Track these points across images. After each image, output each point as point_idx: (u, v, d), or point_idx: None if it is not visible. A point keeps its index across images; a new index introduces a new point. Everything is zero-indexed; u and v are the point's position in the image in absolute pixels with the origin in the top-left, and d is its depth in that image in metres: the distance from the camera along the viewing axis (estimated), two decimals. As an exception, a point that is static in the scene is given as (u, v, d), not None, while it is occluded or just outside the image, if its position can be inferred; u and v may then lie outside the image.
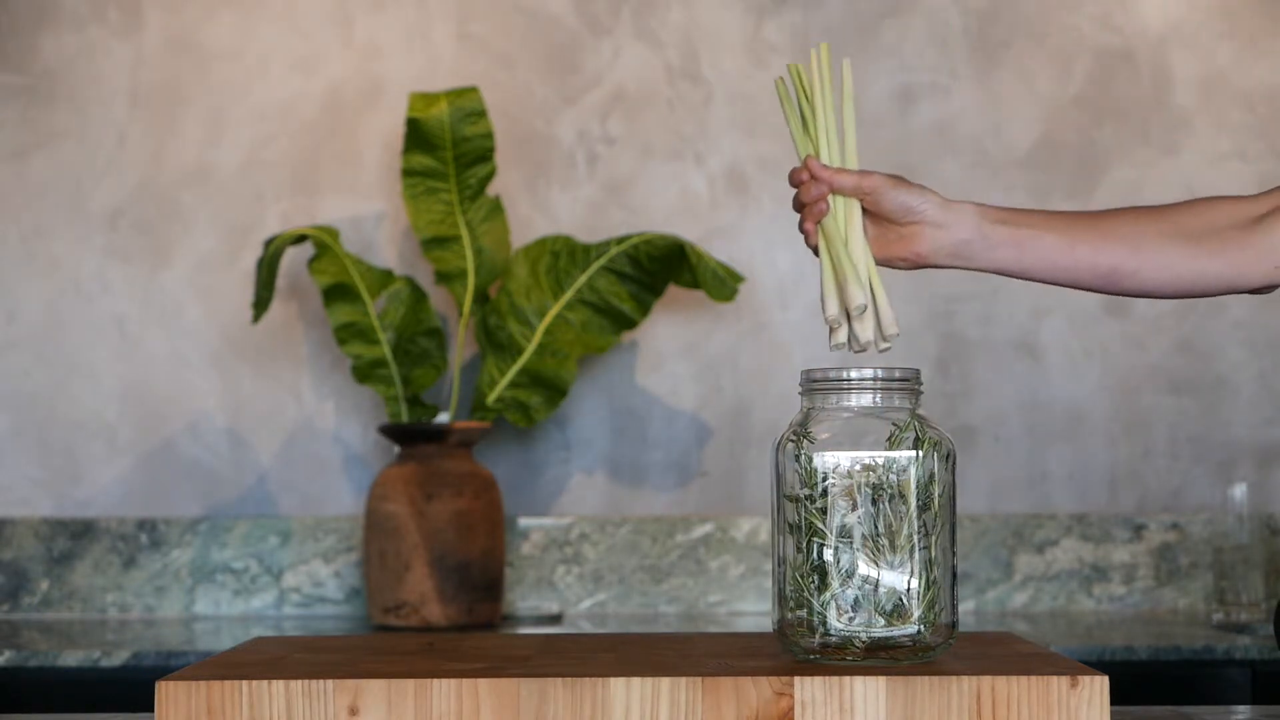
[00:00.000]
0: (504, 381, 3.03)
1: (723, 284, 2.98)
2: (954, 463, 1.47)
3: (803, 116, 1.61)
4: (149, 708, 1.54)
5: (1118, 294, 1.63)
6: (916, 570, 1.43)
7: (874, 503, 1.43)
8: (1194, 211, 1.63)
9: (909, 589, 1.42)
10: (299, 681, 1.35)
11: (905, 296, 3.20)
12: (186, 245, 3.20)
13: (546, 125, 3.24)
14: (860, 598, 1.42)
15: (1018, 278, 1.63)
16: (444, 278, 3.06)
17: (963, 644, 1.54)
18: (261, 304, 2.94)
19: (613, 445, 3.22)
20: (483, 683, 1.35)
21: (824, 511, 1.44)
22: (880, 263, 1.60)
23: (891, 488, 1.44)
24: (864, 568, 1.43)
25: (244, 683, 1.35)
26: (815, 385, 1.49)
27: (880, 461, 1.44)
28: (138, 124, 3.21)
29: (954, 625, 1.45)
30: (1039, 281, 1.63)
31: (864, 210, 1.61)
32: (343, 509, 3.19)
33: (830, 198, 1.57)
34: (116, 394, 3.18)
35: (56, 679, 2.64)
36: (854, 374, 1.48)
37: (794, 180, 1.60)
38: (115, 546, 3.14)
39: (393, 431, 2.97)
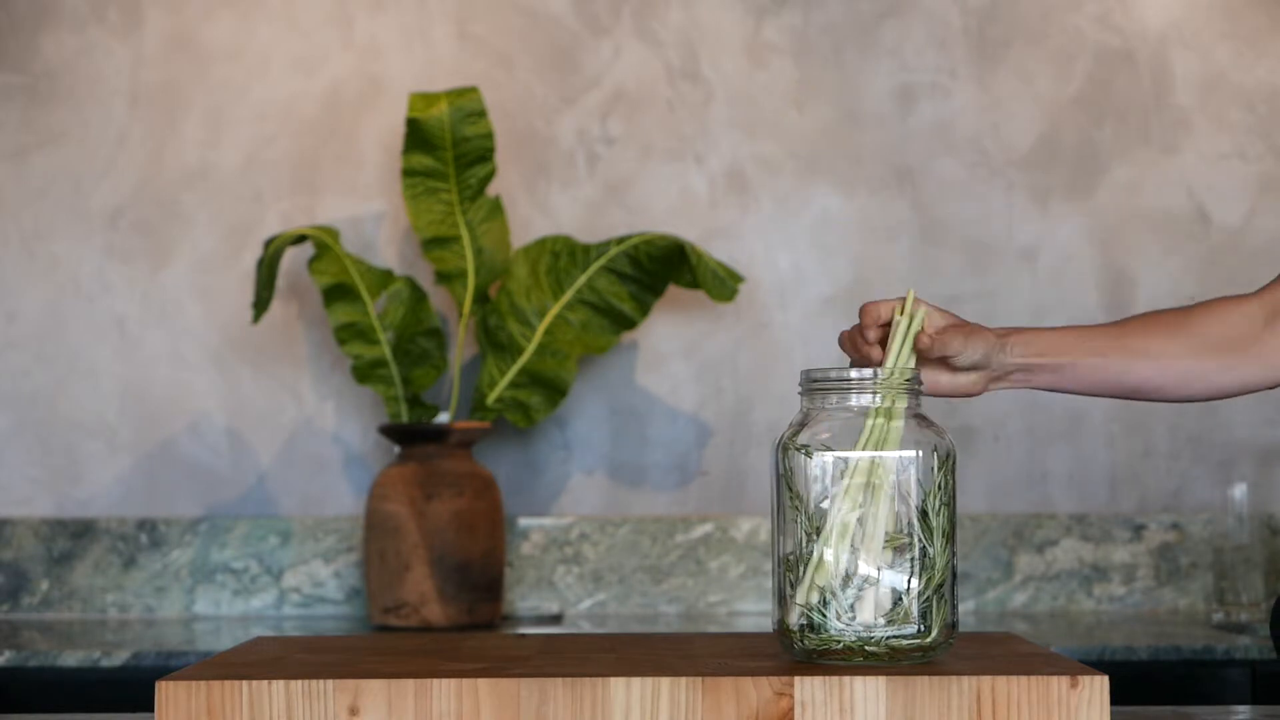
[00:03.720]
0: (504, 381, 3.03)
1: (723, 284, 2.98)
2: (954, 463, 1.47)
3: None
4: (149, 708, 1.54)
5: (1139, 400, 1.74)
6: (916, 570, 1.43)
7: (874, 503, 1.43)
8: (1211, 319, 1.71)
9: (909, 589, 1.42)
10: (299, 681, 1.36)
11: (905, 296, 3.20)
12: (186, 245, 3.21)
13: (546, 125, 3.24)
14: (860, 598, 1.42)
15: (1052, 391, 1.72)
16: (444, 278, 3.06)
17: (963, 644, 1.54)
18: (261, 304, 2.94)
19: (613, 445, 3.22)
20: (483, 683, 1.35)
21: (824, 511, 1.44)
22: (930, 393, 1.62)
23: (891, 488, 1.44)
24: (864, 568, 1.43)
25: (244, 683, 1.35)
26: (815, 385, 1.49)
27: (880, 461, 1.44)
28: (138, 124, 3.21)
29: (954, 625, 1.45)
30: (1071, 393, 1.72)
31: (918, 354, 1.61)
32: (343, 509, 3.19)
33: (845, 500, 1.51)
34: (116, 394, 3.18)
35: (56, 679, 2.64)
36: (854, 374, 1.48)
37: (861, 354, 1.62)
38: (115, 546, 3.14)
39: (393, 431, 2.97)
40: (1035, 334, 1.67)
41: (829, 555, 1.43)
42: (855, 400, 1.47)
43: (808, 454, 1.45)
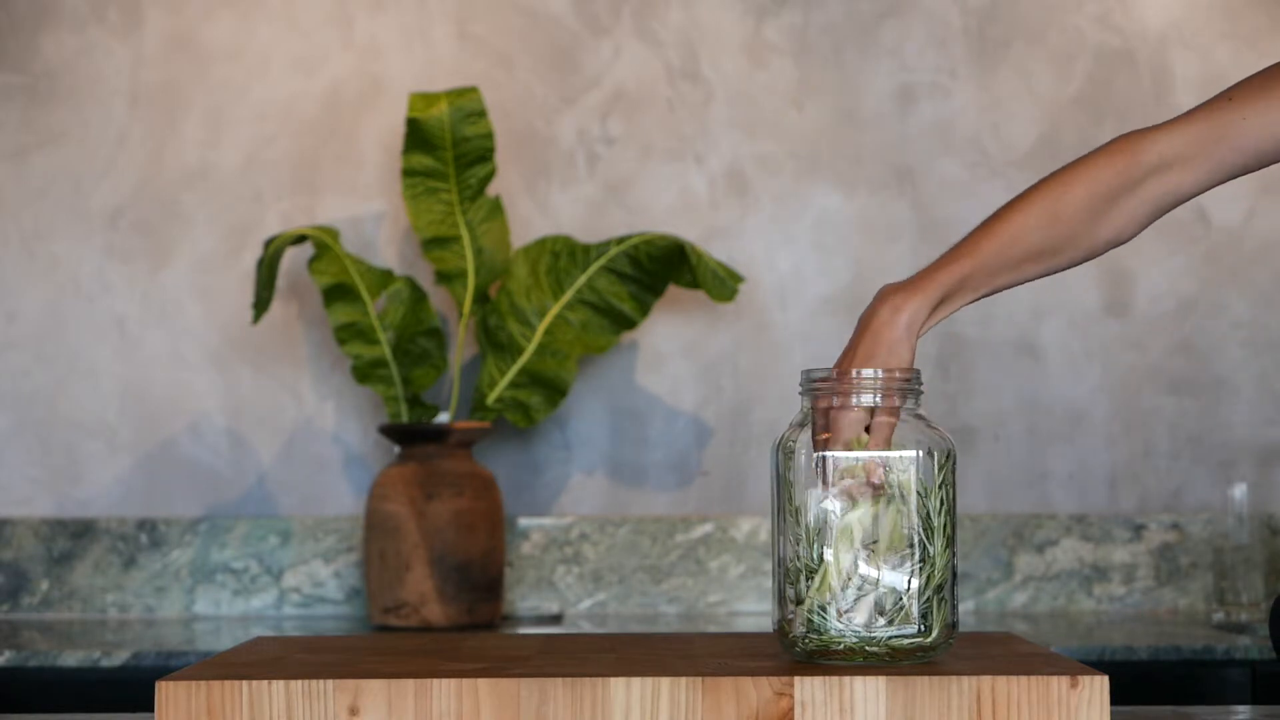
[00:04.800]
0: (504, 381, 3.03)
1: (723, 284, 2.98)
2: (954, 463, 1.47)
3: None
4: (149, 708, 1.54)
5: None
6: (916, 570, 1.43)
7: (874, 502, 1.43)
8: (1058, 197, 1.64)
9: (909, 589, 1.42)
10: (299, 681, 1.35)
11: (905, 296, 3.20)
12: (186, 245, 3.21)
13: (546, 125, 3.24)
14: (860, 598, 1.42)
15: None
16: (444, 278, 3.06)
17: (963, 644, 1.54)
18: (261, 304, 2.94)
19: (613, 445, 3.23)
20: (483, 683, 1.35)
21: (824, 512, 1.44)
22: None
23: (891, 487, 1.44)
24: (864, 568, 1.43)
25: (244, 683, 1.35)
26: (815, 385, 1.49)
27: (880, 461, 1.44)
28: (138, 124, 3.21)
29: (954, 625, 1.45)
30: None
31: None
32: (343, 509, 3.19)
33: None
34: (116, 394, 3.18)
35: (56, 679, 2.64)
36: (854, 374, 1.48)
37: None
38: (115, 546, 3.14)
39: (393, 431, 2.97)
40: (948, 303, 1.61)
41: (829, 556, 1.43)
42: (855, 400, 1.47)
43: (808, 454, 1.45)
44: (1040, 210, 1.63)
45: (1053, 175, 1.65)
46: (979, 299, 1.62)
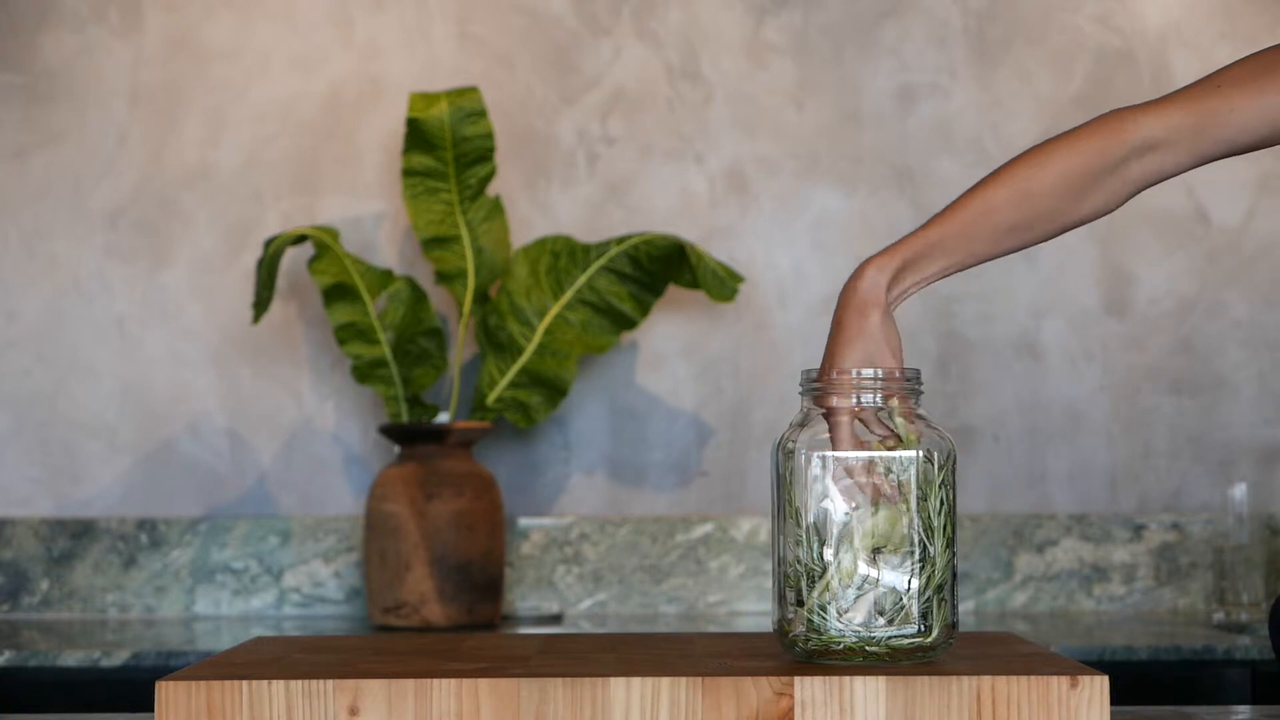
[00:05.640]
0: (504, 381, 3.03)
1: (723, 284, 2.98)
2: (954, 463, 1.47)
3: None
4: (149, 708, 1.54)
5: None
6: (917, 570, 1.43)
7: (874, 503, 1.43)
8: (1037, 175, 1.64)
9: (909, 589, 1.42)
10: (299, 681, 1.35)
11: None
12: (186, 245, 3.21)
13: (546, 125, 3.24)
14: (860, 598, 1.42)
15: None
16: (444, 278, 3.06)
17: (963, 644, 1.54)
18: (261, 304, 2.94)
19: (613, 445, 3.23)
20: (483, 683, 1.35)
21: (824, 512, 1.44)
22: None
23: (892, 488, 1.44)
24: (864, 568, 1.43)
25: (244, 683, 1.35)
26: (815, 385, 1.49)
27: (880, 461, 1.44)
28: (138, 124, 3.21)
29: (954, 625, 1.45)
30: None
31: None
32: (343, 509, 3.19)
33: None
34: (116, 394, 3.18)
35: (56, 679, 2.64)
36: (854, 373, 1.48)
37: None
38: (115, 546, 3.14)
39: (393, 431, 2.98)
40: (925, 267, 1.61)
41: (829, 556, 1.43)
42: (855, 400, 1.47)
43: (808, 454, 1.45)
44: (1013, 187, 1.63)
45: (1032, 150, 1.65)
46: (958, 270, 1.61)
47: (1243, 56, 1.67)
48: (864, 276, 1.55)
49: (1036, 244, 1.66)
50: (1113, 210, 1.67)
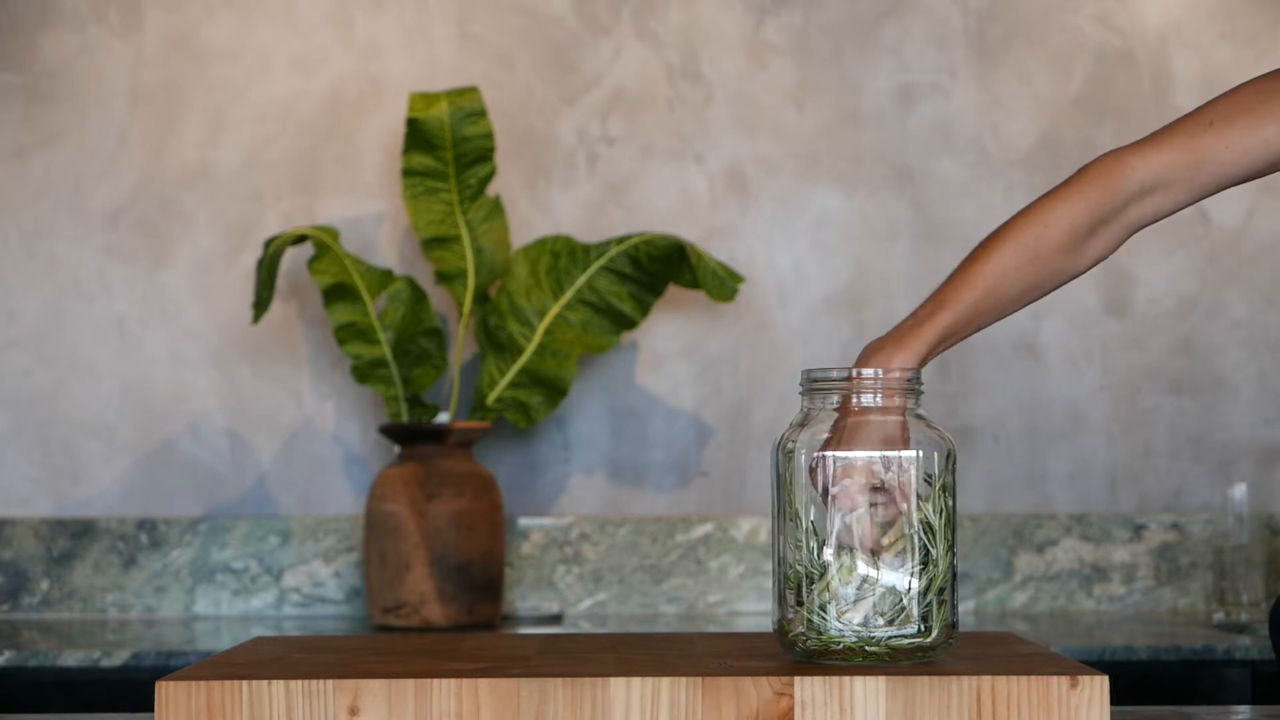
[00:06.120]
0: (504, 381, 3.03)
1: (723, 284, 2.98)
2: (954, 463, 1.47)
3: None
4: (149, 708, 1.54)
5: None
6: (917, 570, 1.43)
7: (874, 503, 1.43)
8: (1038, 234, 1.64)
9: (909, 589, 1.42)
10: (299, 681, 1.35)
11: (906, 296, 3.21)
12: (186, 245, 3.21)
13: (546, 125, 3.24)
14: (860, 598, 1.42)
15: None
16: (444, 278, 3.06)
17: (963, 644, 1.54)
18: (261, 304, 2.94)
19: (613, 445, 3.22)
20: (483, 683, 1.35)
21: (824, 511, 1.44)
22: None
23: (892, 487, 1.44)
24: (864, 568, 1.43)
25: (244, 683, 1.35)
26: (815, 385, 1.49)
27: (880, 461, 1.44)
28: (138, 124, 3.21)
29: (954, 625, 1.45)
30: None
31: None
32: (343, 509, 3.19)
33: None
34: (116, 394, 3.18)
35: (56, 679, 2.64)
36: (854, 374, 1.48)
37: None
38: (115, 546, 3.14)
39: (393, 431, 2.98)
40: (939, 339, 1.60)
41: (829, 556, 1.43)
42: (855, 400, 1.47)
43: (808, 454, 1.45)
44: (1020, 253, 1.63)
45: (1029, 211, 1.64)
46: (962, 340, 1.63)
47: (1230, 89, 1.66)
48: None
49: (1037, 300, 1.66)
50: (1109, 256, 1.68)
